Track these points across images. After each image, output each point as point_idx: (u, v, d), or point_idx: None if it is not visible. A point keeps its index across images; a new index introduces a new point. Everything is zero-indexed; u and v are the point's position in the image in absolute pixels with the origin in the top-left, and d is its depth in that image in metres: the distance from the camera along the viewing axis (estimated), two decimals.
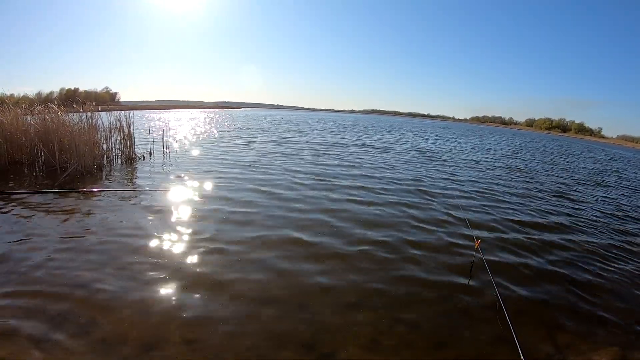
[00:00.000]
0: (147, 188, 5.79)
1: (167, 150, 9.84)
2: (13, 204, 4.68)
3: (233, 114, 54.20)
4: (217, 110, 72.81)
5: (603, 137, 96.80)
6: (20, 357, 2.11)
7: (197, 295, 2.81)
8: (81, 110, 7.80)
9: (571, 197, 7.57)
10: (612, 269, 3.90)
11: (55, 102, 7.68)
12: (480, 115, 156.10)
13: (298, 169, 8.14)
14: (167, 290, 2.86)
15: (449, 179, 8.27)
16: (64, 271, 3.04)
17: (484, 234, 4.58)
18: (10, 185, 5.64)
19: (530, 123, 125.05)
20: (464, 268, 3.57)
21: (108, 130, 7.98)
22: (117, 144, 8.19)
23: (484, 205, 6.04)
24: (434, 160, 11.66)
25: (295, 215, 4.77)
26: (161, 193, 5.54)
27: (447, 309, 2.90)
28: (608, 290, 3.43)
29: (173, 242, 3.74)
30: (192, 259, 3.41)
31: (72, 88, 55.23)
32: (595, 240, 4.78)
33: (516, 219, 5.38)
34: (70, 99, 8.79)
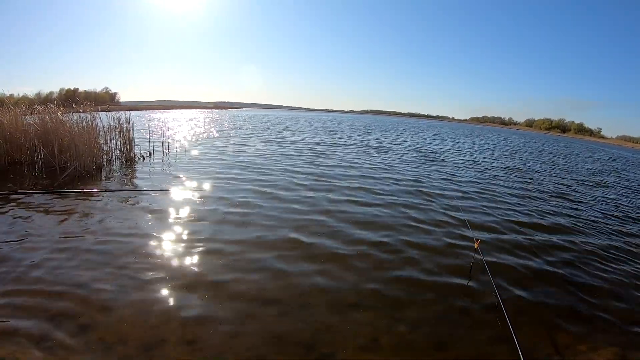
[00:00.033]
0: (146, 189, 5.79)
1: (167, 151, 9.83)
2: (12, 204, 4.67)
3: (233, 114, 54.20)
4: (216, 110, 72.83)
5: (603, 137, 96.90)
6: (20, 356, 2.10)
7: (197, 296, 2.81)
8: (81, 110, 7.79)
9: (571, 197, 7.57)
10: (612, 269, 3.91)
11: (55, 102, 7.68)
12: (480, 115, 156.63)
13: (297, 169, 8.13)
14: (166, 290, 2.86)
15: (449, 180, 8.27)
16: (63, 271, 3.04)
17: (484, 234, 4.58)
18: (9, 185, 5.63)
19: (529, 123, 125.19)
20: (463, 268, 3.58)
21: (108, 130, 7.98)
22: (116, 144, 8.19)
23: (484, 206, 6.05)
24: (433, 161, 11.67)
25: (295, 216, 4.76)
26: (160, 194, 5.53)
27: (447, 309, 2.90)
28: (607, 291, 3.43)
29: (172, 243, 3.73)
30: (191, 259, 3.41)
31: (72, 88, 55.22)
32: (594, 241, 4.78)
33: (516, 219, 5.39)
34: (70, 99, 8.77)
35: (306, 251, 3.72)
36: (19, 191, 5.27)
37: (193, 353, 2.22)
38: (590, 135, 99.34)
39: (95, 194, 5.34)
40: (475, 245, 3.55)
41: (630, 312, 3.09)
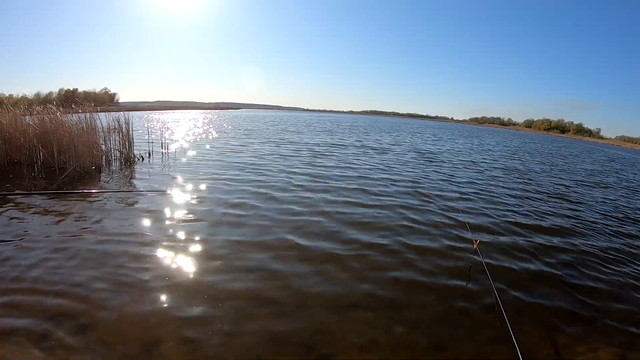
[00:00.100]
0: (145, 189, 5.79)
1: (166, 152, 9.83)
2: (11, 204, 4.67)
3: (232, 115, 54.22)
4: (216, 111, 72.81)
5: (602, 137, 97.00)
6: (19, 356, 2.10)
7: (195, 296, 2.80)
8: (80, 111, 7.79)
9: (570, 198, 7.58)
10: (611, 270, 3.91)
11: (54, 102, 7.68)
12: (479, 116, 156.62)
13: (295, 170, 8.13)
14: (165, 290, 2.86)
15: (448, 180, 8.28)
16: (62, 271, 3.04)
17: (483, 235, 4.58)
18: (8, 186, 5.62)
19: (529, 124, 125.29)
20: (462, 269, 3.58)
21: (107, 131, 7.98)
22: (115, 145, 8.19)
23: (483, 207, 6.05)
24: (432, 161, 11.67)
25: (292, 217, 4.76)
26: (159, 194, 5.53)
27: (446, 310, 2.90)
28: (606, 292, 3.43)
29: (170, 243, 3.73)
30: (189, 260, 3.41)
31: (71, 89, 55.36)
32: (593, 242, 4.78)
33: (515, 220, 5.39)
34: (69, 99, 8.78)
35: (303, 252, 3.72)
36: (17, 192, 5.26)
37: (192, 353, 2.22)
38: (590, 136, 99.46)
39: (94, 195, 5.34)
40: (474, 246, 3.55)
41: (630, 313, 3.09)
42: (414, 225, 4.79)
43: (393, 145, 16.79)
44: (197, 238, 3.90)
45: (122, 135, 8.18)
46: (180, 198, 5.40)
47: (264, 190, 6.02)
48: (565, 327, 2.79)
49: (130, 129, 8.28)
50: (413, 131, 34.04)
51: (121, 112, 8.48)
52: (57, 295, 2.70)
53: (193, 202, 5.25)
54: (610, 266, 4.02)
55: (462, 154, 15.14)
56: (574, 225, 5.48)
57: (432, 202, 6.04)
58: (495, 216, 5.53)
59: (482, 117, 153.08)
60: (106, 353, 2.17)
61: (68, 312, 2.52)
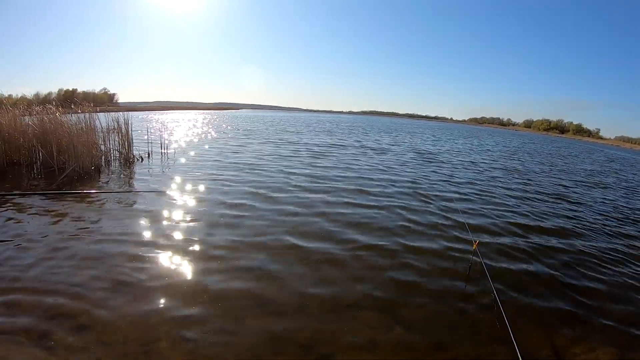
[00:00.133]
0: (143, 190, 5.78)
1: (165, 152, 9.83)
2: (9, 204, 4.67)
3: (232, 115, 54.19)
4: (215, 111, 72.80)
5: (601, 138, 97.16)
6: (19, 356, 2.10)
7: (194, 296, 2.80)
8: (79, 111, 7.80)
9: (569, 198, 7.59)
10: (610, 271, 3.91)
11: (54, 103, 7.67)
12: (479, 116, 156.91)
13: (294, 171, 8.13)
14: (164, 291, 2.86)
15: (447, 181, 8.28)
16: (60, 270, 3.04)
17: (482, 236, 4.58)
18: (7, 186, 5.62)
19: (528, 124, 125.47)
20: (461, 270, 3.58)
21: (106, 131, 7.98)
22: (115, 145, 8.19)
23: (482, 207, 6.05)
24: (431, 162, 11.67)
25: (291, 218, 4.75)
26: (157, 195, 5.53)
27: (445, 310, 2.90)
28: (605, 292, 3.43)
29: (168, 244, 3.73)
30: (188, 260, 3.40)
31: (70, 89, 55.31)
32: (593, 243, 4.79)
33: (514, 221, 5.39)
34: (69, 99, 8.78)
35: (302, 253, 3.72)
36: (16, 192, 5.26)
37: (191, 353, 2.22)
38: (589, 136, 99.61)
39: (93, 195, 5.34)
40: (474, 246, 3.55)
41: (628, 314, 3.10)
42: (413, 225, 4.79)
43: (392, 145, 16.79)
44: (195, 238, 3.90)
45: (122, 135, 8.18)
46: (179, 198, 5.40)
47: (262, 191, 6.01)
48: (564, 327, 2.79)
49: (130, 129, 8.28)
50: (412, 131, 34.05)
51: (120, 113, 8.48)
52: (56, 295, 2.70)
53: (192, 202, 5.24)
54: (609, 267, 4.02)
55: (461, 154, 15.14)
56: (573, 225, 5.48)
57: (431, 203, 6.04)
58: (494, 217, 5.53)
59: (482, 118, 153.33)
60: (105, 353, 2.17)
61: (67, 311, 2.52)
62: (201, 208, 4.98)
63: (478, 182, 8.45)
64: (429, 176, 8.74)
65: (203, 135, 16.30)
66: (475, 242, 3.62)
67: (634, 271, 3.98)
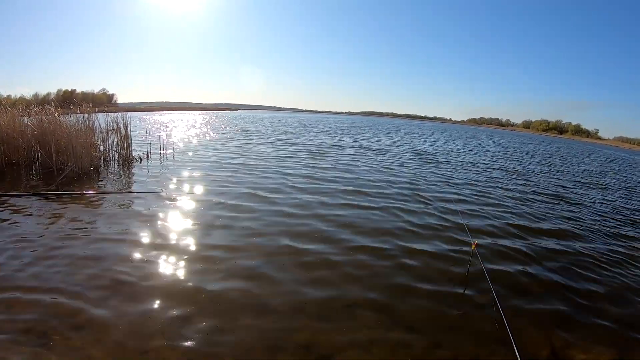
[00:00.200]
0: (141, 191, 5.77)
1: (164, 152, 9.83)
2: (7, 205, 4.66)
3: (231, 115, 54.18)
4: (214, 112, 72.79)
5: (600, 138, 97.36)
6: (16, 355, 2.10)
7: (191, 297, 2.80)
8: (78, 111, 7.79)
9: (568, 199, 7.59)
10: (609, 273, 3.91)
11: (52, 103, 7.67)
12: (477, 117, 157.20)
13: (292, 172, 8.12)
14: (161, 291, 2.85)
15: (446, 182, 8.28)
16: (58, 270, 3.04)
17: (481, 237, 4.57)
18: (5, 186, 5.60)
19: (527, 125, 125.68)
20: (460, 271, 3.58)
21: (105, 132, 7.97)
22: (114, 146, 8.18)
23: (481, 208, 6.05)
24: (430, 163, 11.68)
25: (289, 220, 4.73)
26: (155, 196, 5.52)
27: (444, 311, 2.90)
28: (605, 294, 3.43)
29: (165, 245, 3.73)
30: (185, 261, 3.40)
31: (70, 89, 55.25)
32: (592, 244, 4.79)
33: (513, 222, 5.39)
34: (68, 100, 8.77)
35: (300, 255, 3.70)
36: (13, 192, 5.25)
37: (188, 353, 2.21)
38: (588, 137, 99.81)
39: (91, 196, 5.33)
40: (472, 247, 3.54)
41: (627, 316, 3.09)
42: (411, 227, 4.78)
43: (391, 146, 16.79)
44: (192, 239, 3.89)
45: (120, 136, 8.17)
46: (177, 199, 5.39)
47: (260, 192, 6.00)
48: (563, 329, 2.79)
49: (129, 129, 8.27)
50: (411, 132, 34.07)
51: (119, 113, 8.48)
52: (53, 295, 2.70)
53: (189, 203, 5.24)
54: (608, 268, 4.02)
55: (460, 155, 15.16)
56: (572, 226, 5.49)
57: (430, 204, 6.04)
58: (493, 218, 5.54)
59: (480, 118, 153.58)
60: (102, 352, 2.17)
61: (64, 311, 2.52)
62: (198, 209, 4.98)
63: (477, 183, 8.45)
64: (428, 177, 8.74)
65: (202, 136, 16.30)
66: (474, 243, 3.61)
67: (633, 273, 3.98)
